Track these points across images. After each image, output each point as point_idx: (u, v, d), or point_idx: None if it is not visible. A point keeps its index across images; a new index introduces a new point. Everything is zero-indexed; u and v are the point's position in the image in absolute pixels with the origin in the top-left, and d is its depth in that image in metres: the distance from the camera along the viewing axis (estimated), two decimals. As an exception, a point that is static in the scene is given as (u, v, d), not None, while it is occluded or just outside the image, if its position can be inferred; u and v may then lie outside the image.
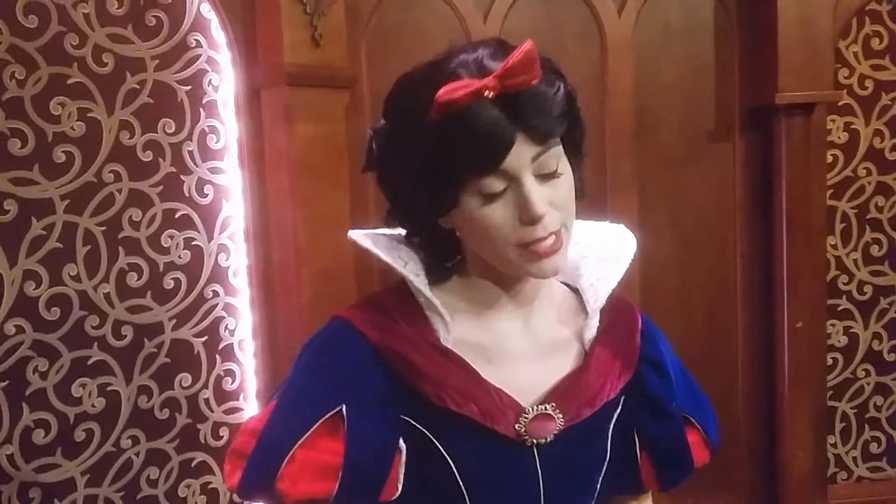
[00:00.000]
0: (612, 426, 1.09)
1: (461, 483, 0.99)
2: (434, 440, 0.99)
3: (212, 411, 2.23)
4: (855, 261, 2.71)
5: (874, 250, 2.71)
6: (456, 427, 0.99)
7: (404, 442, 1.00)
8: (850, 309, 2.72)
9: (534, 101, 0.91)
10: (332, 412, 0.97)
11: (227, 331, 2.24)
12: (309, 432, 0.96)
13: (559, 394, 1.03)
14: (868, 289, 2.72)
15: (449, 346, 1.00)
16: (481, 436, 0.99)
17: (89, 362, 2.05)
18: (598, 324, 1.08)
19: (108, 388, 2.08)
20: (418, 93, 0.94)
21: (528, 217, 0.93)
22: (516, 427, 1.00)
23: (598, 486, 1.09)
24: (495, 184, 0.93)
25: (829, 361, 2.72)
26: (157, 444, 2.15)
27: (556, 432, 1.02)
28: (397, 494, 1.00)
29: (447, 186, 0.94)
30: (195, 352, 2.20)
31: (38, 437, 2.00)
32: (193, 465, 2.21)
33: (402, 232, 1.06)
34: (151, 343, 2.13)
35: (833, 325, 2.71)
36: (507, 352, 1.03)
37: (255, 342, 2.27)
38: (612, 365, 1.07)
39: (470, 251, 1.03)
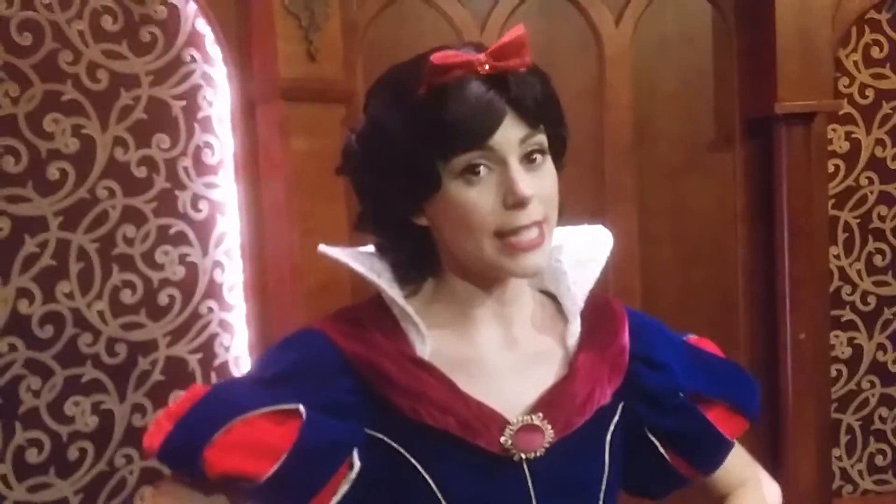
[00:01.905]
0: (609, 436, 1.05)
1: None
2: (410, 458, 0.95)
3: (208, 429, 2.21)
4: (858, 271, 2.68)
5: (877, 260, 2.69)
6: (436, 444, 0.95)
7: (362, 460, 0.95)
8: (854, 320, 2.69)
9: (523, 83, 0.92)
10: (287, 407, 0.92)
11: (222, 347, 2.22)
12: (255, 412, 0.91)
13: (546, 404, 0.99)
14: (871, 299, 2.70)
15: (425, 359, 0.97)
16: (464, 452, 0.95)
17: (83, 380, 2.04)
18: (579, 328, 1.05)
19: (102, 407, 2.06)
20: (405, 73, 0.95)
21: (513, 199, 0.91)
22: (501, 441, 0.96)
23: (602, 501, 1.04)
24: (480, 163, 0.92)
25: (833, 373, 2.69)
26: (152, 464, 2.12)
27: (546, 445, 0.98)
28: None
29: (431, 165, 0.92)
30: (190, 369, 2.18)
31: (32, 456, 1.98)
32: (189, 483, 2.19)
33: (373, 249, 1.04)
34: (146, 360, 2.11)
35: (836, 337, 2.69)
36: (489, 364, 1.00)
37: (251, 359, 2.25)
38: (600, 369, 1.03)
39: (447, 253, 1.00)
